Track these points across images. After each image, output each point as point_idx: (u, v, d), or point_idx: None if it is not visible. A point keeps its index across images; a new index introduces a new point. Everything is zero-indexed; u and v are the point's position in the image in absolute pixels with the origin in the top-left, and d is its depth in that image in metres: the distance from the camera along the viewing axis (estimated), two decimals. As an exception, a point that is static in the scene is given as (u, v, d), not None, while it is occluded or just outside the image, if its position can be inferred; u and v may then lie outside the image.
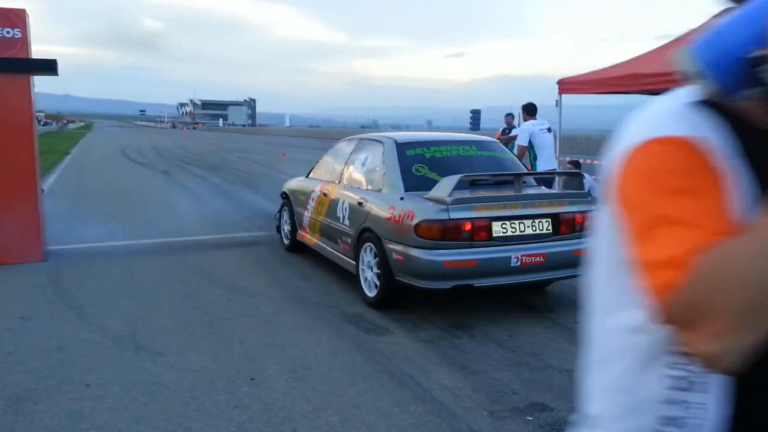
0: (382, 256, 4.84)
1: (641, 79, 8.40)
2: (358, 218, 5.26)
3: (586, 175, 9.31)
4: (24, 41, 6.38)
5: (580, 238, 4.75)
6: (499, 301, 5.22)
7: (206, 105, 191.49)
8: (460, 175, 4.55)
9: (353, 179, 5.78)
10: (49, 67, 6.66)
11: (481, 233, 4.53)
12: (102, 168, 20.34)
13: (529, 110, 8.44)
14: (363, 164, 5.71)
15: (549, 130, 8.39)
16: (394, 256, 4.68)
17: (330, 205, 5.93)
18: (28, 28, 6.47)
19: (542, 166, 8.00)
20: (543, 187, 5.76)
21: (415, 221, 4.50)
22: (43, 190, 8.93)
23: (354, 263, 5.36)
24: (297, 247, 6.97)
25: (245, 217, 9.86)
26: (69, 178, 16.42)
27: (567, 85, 9.51)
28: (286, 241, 7.34)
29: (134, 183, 15.39)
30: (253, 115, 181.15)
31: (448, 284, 4.56)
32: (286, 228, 7.31)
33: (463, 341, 4.31)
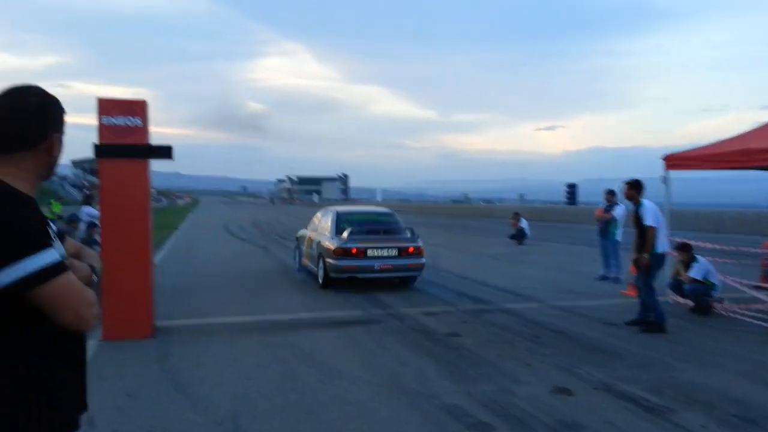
0: (324, 264, 10.12)
1: (754, 155, 7.90)
2: (319, 248, 10.65)
3: (700, 257, 8.69)
4: (144, 129, 6.95)
5: (410, 258, 10.15)
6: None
7: (302, 181, 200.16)
8: (350, 229, 10.10)
9: (319, 229, 11.31)
10: (165, 153, 7.17)
11: (360, 253, 9.89)
12: (207, 244, 21.43)
13: (639, 188, 7.85)
14: (323, 222, 11.31)
15: (661, 210, 7.95)
16: (327, 262, 9.96)
17: (311, 243, 11.49)
18: (148, 117, 7.05)
19: (663, 245, 7.55)
20: (399, 234, 10.75)
21: (333, 246, 9.90)
22: (154, 265, 9.50)
23: (316, 270, 10.70)
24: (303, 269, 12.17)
25: (341, 295, 9.89)
26: (177, 254, 17.37)
27: (674, 161, 9.08)
28: (296, 266, 12.79)
29: (236, 258, 16.04)
30: (346, 190, 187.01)
31: (345, 275, 9.95)
32: (297, 257, 12.78)
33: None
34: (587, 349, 6.44)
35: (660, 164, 9.35)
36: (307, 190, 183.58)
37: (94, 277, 1.80)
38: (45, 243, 1.54)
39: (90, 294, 1.61)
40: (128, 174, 6.97)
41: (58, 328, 1.56)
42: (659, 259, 7.55)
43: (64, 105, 1.77)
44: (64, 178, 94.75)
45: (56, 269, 1.53)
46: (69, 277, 1.56)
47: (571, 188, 41.53)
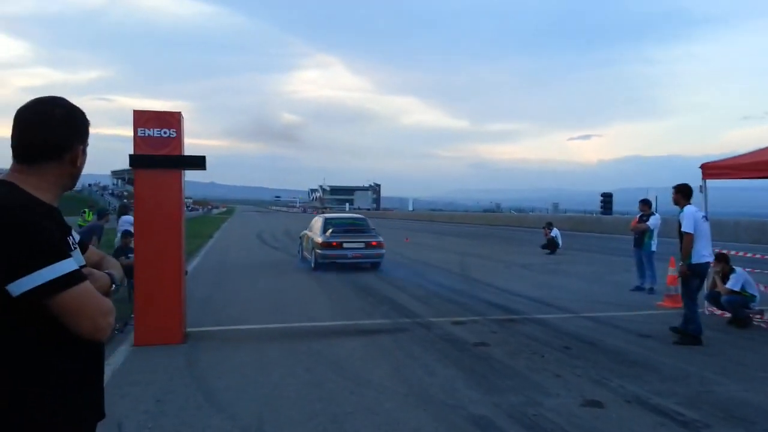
0: (314, 253, 14.46)
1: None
2: (312, 243, 15.00)
3: (737, 268, 8.43)
4: (178, 140, 7.08)
5: (374, 249, 14.51)
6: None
7: (334, 190, 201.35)
8: (332, 228, 14.65)
9: (313, 230, 15.68)
10: (198, 163, 7.29)
11: (339, 246, 14.14)
12: (240, 251, 21.70)
13: (686, 193, 7.57)
14: (316, 225, 15.68)
15: (706, 218, 7.61)
16: (317, 252, 14.32)
17: (308, 239, 15.91)
18: (182, 128, 7.18)
19: (702, 255, 7.25)
20: (367, 233, 15.18)
21: (320, 240, 14.31)
22: (186, 272, 9.62)
23: (311, 258, 14.90)
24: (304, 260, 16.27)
25: (369, 303, 9.91)
26: (210, 262, 17.63)
27: (712, 170, 8.85)
28: (299, 257, 17.33)
29: (267, 266, 16.18)
30: (377, 199, 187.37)
31: (328, 261, 14.09)
32: (300, 251, 17.48)
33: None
34: (620, 361, 6.29)
35: (698, 173, 9.12)
36: (339, 199, 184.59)
37: (113, 287, 1.82)
38: (63, 252, 1.56)
39: (106, 304, 1.63)
40: (162, 184, 7.11)
41: (75, 336, 1.58)
42: (697, 270, 7.27)
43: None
44: (104, 187, 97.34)
45: (73, 278, 1.55)
46: (86, 287, 1.58)
47: (607, 197, 40.83)
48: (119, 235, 11.66)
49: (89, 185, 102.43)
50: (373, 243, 14.79)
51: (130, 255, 9.04)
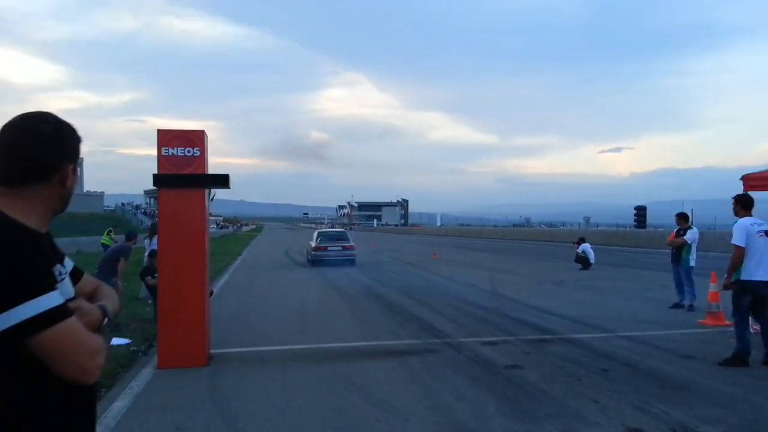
0: (310, 254, 23.58)
1: None
2: (309, 247, 24.18)
3: None
4: (201, 159, 7.00)
5: (348, 251, 22.59)
6: None
7: (362, 206, 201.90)
8: (320, 237, 23.28)
9: (311, 239, 24.11)
10: (222, 181, 7.21)
11: (324, 249, 22.41)
12: (267, 269, 21.70)
13: (745, 203, 7.10)
14: (313, 235, 24.41)
15: (767, 233, 6.95)
16: (311, 253, 23.15)
17: (309, 245, 24.41)
18: (206, 147, 7.11)
19: (753, 272, 6.70)
20: (344, 240, 23.38)
21: (314, 245, 22.79)
22: (212, 292, 9.55)
23: (308, 257, 23.95)
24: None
25: (397, 323, 9.68)
26: (238, 280, 17.62)
27: (754, 181, 8.46)
28: (307, 258, 24.58)
29: (294, 284, 16.09)
30: (405, 215, 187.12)
31: (318, 259, 22.20)
32: (307, 255, 24.70)
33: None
34: (662, 384, 5.93)
35: (735, 185, 8.73)
36: (367, 215, 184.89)
37: (106, 321, 1.63)
38: (45, 286, 1.39)
39: (94, 342, 1.45)
40: (186, 203, 7.04)
41: (61, 380, 1.40)
42: (747, 286, 6.82)
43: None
44: (137, 207, 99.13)
45: (56, 315, 1.37)
46: (70, 324, 1.41)
47: (640, 211, 39.89)
48: (147, 254, 11.68)
49: (122, 204, 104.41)
50: (347, 246, 22.73)
51: (156, 275, 9.00)
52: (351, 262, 21.91)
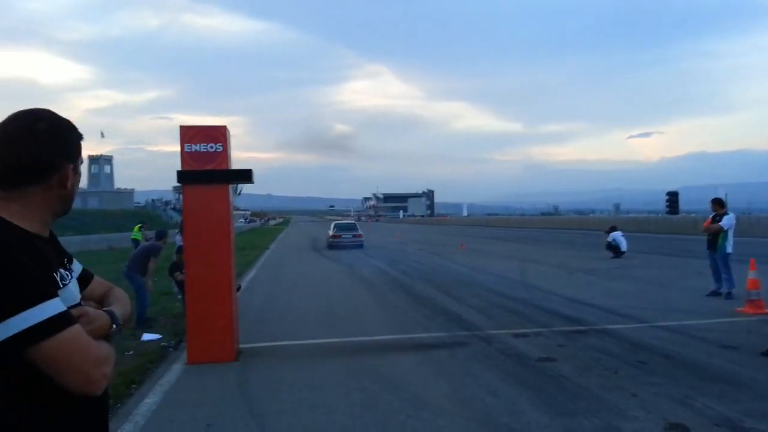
0: (328, 241, 30.64)
1: None
2: (327, 235, 32.25)
3: None
4: (224, 154, 6.95)
5: (357, 238, 29.67)
6: None
7: (388, 198, 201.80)
8: (335, 228, 31.29)
9: (330, 228, 32.67)
10: (245, 176, 7.16)
11: (339, 236, 30.01)
12: (294, 262, 21.77)
13: None
14: (330, 226, 33.57)
15: None
16: (329, 240, 30.42)
17: (327, 234, 32.18)
18: (229, 142, 7.06)
19: None
20: (355, 230, 31.26)
21: (331, 233, 30.70)
22: (240, 287, 9.55)
23: (327, 243, 31.25)
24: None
25: (425, 315, 9.56)
26: (266, 273, 17.69)
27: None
28: (326, 245, 31.02)
29: (321, 277, 16.08)
30: (431, 206, 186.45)
31: (334, 244, 29.46)
32: (326, 242, 31.60)
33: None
34: (703, 376, 5.71)
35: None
36: (393, 207, 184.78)
37: (114, 327, 1.53)
38: (45, 293, 1.30)
39: (101, 351, 1.37)
40: (209, 199, 7.00)
41: (65, 392, 1.32)
42: None
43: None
44: (167, 203, 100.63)
45: (58, 323, 1.29)
46: (74, 332, 1.32)
47: (672, 196, 39.01)
48: (176, 249, 11.75)
49: (153, 201, 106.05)
50: (356, 235, 29.66)
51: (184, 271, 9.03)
52: (360, 246, 28.63)
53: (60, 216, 1.55)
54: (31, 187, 1.44)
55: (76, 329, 1.33)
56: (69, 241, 32.51)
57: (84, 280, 1.64)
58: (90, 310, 1.50)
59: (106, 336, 1.48)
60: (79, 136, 1.54)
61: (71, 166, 1.50)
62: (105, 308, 1.57)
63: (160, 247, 10.27)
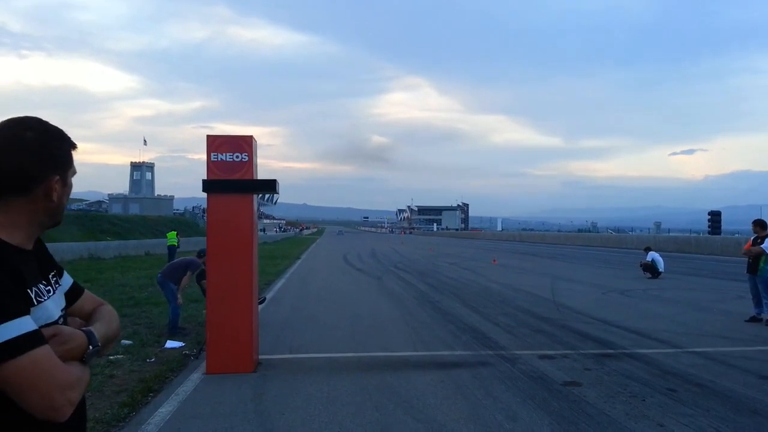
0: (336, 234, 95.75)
1: None
2: (336, 231, 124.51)
3: None
4: (250, 164, 6.94)
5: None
6: None
7: (422, 210, 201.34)
8: (338, 232, 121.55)
9: (335, 231, 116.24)
10: (270, 186, 7.15)
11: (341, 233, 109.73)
12: (324, 274, 21.76)
13: None
14: (335, 230, 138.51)
15: None
16: (337, 235, 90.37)
17: (336, 231, 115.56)
18: (255, 152, 7.06)
19: None
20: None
21: (336, 231, 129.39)
22: (264, 299, 9.55)
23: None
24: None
25: (450, 332, 9.37)
26: (293, 285, 17.71)
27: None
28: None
29: (350, 289, 16.01)
30: (465, 219, 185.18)
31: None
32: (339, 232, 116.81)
33: None
34: (737, 408, 5.40)
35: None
36: (427, 219, 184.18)
37: (90, 349, 1.43)
38: (11, 311, 1.24)
39: (69, 375, 1.29)
40: (234, 209, 7.00)
41: (32, 417, 1.25)
42: None
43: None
44: (204, 210, 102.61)
45: (22, 344, 1.22)
46: (41, 354, 1.24)
47: (715, 216, 37.83)
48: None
49: (192, 208, 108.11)
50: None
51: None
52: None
53: (48, 228, 1.49)
54: (16, 198, 1.39)
55: (44, 350, 1.26)
56: (107, 246, 33.30)
57: (73, 294, 1.58)
58: (65, 329, 1.41)
59: (79, 358, 1.39)
60: (71, 146, 1.49)
61: (57, 177, 1.44)
62: (84, 328, 1.49)
63: (199, 264, 10.20)
